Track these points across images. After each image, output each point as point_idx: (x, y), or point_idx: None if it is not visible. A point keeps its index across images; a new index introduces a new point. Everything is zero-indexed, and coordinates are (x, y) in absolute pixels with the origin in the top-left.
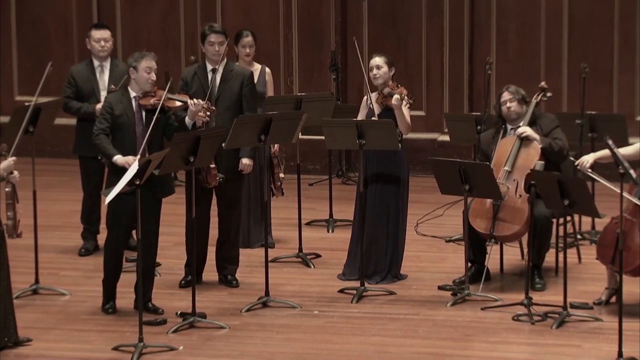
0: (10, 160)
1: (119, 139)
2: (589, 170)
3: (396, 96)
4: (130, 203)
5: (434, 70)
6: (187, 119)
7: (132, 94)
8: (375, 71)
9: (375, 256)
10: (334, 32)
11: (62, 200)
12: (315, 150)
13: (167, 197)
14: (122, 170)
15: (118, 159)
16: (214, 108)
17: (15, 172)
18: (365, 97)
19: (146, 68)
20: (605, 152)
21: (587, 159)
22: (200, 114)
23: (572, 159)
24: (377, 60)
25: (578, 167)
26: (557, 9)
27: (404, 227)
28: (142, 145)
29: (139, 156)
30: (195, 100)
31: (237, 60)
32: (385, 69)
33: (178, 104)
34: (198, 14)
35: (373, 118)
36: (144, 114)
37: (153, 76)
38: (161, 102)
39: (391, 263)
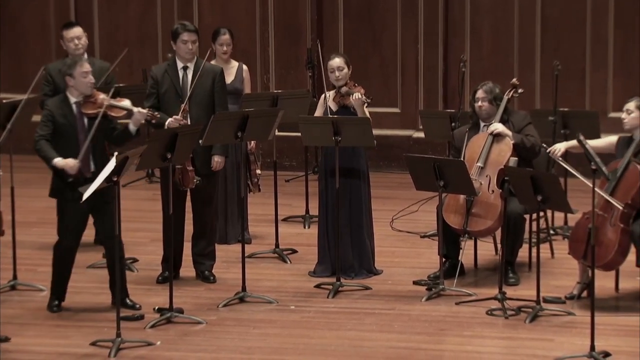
0: None
1: (61, 145)
2: (560, 158)
3: (356, 95)
4: (79, 212)
5: (408, 67)
6: (130, 126)
7: (72, 99)
8: (337, 73)
9: (342, 249)
10: (310, 30)
11: (40, 196)
12: (292, 146)
13: (145, 193)
14: (68, 173)
15: (58, 161)
16: (186, 107)
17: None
18: (322, 96)
19: (82, 73)
20: (574, 142)
21: (559, 147)
22: (176, 117)
23: (545, 145)
24: (338, 61)
25: (550, 154)
26: (530, 7)
27: (369, 220)
28: (82, 152)
29: (78, 161)
30: (140, 109)
31: (215, 57)
32: (346, 70)
33: (122, 112)
34: (175, 11)
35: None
36: (85, 120)
37: (91, 79)
38: (102, 111)
39: (360, 257)
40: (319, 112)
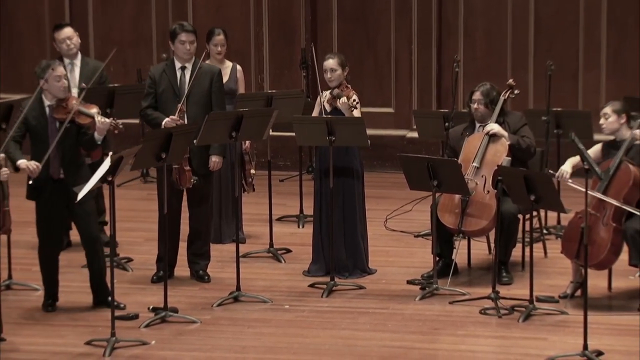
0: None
1: (35, 146)
2: (570, 181)
3: (343, 99)
4: (50, 214)
5: (402, 67)
6: (95, 134)
7: (46, 102)
8: (329, 74)
9: (336, 249)
10: (304, 30)
11: None
12: (286, 146)
13: (140, 193)
14: (39, 176)
15: (21, 163)
16: (183, 107)
17: (5, 169)
18: (319, 97)
19: (56, 77)
20: (577, 159)
21: (567, 171)
22: (173, 117)
23: (552, 172)
24: (331, 62)
25: (558, 179)
26: (523, 8)
27: (363, 220)
28: (47, 155)
29: (40, 165)
30: (102, 118)
31: (209, 58)
32: (339, 71)
33: (88, 120)
34: (169, 11)
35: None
36: (57, 124)
37: (64, 82)
38: (70, 116)
39: (354, 256)
40: (315, 112)
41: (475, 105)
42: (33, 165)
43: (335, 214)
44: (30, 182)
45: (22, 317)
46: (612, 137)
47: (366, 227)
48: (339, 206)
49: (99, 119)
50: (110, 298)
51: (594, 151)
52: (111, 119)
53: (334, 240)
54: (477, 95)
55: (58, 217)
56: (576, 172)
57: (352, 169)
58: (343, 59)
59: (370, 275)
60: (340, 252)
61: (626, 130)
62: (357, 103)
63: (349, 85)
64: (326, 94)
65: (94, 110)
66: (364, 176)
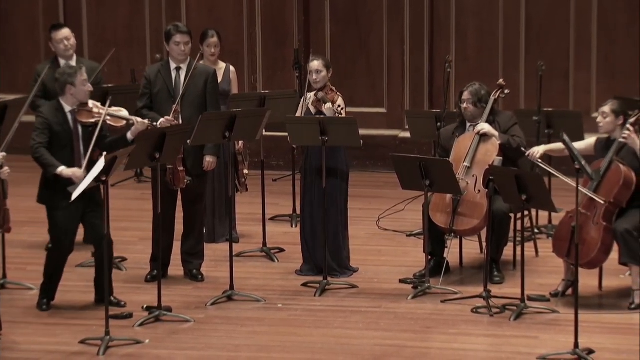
0: (0, 155)
1: (56, 153)
2: (539, 160)
3: (328, 105)
4: (70, 217)
5: (395, 68)
6: (129, 135)
7: (67, 108)
8: (315, 76)
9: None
10: (297, 31)
11: (29, 196)
12: (279, 146)
13: (134, 193)
14: (60, 181)
15: (63, 170)
16: (178, 108)
17: (6, 167)
18: (303, 97)
19: (83, 82)
20: (556, 146)
21: (538, 150)
22: (168, 117)
23: (524, 149)
24: (316, 64)
25: (528, 156)
26: (514, 9)
27: (344, 220)
28: (86, 161)
29: (83, 170)
30: (140, 119)
31: (203, 59)
32: (324, 72)
33: (122, 122)
34: (163, 12)
35: None
36: (80, 128)
37: (89, 86)
38: (102, 118)
39: (338, 257)
40: (298, 113)
41: (465, 105)
42: (78, 172)
43: (319, 213)
44: (72, 188)
45: (17, 316)
46: (606, 136)
47: (347, 227)
48: (327, 206)
49: (137, 120)
50: (112, 296)
51: (586, 143)
52: (148, 120)
53: (318, 240)
54: (465, 95)
55: (77, 221)
56: (567, 171)
57: (337, 170)
58: (328, 61)
59: (356, 273)
60: (323, 252)
61: (621, 131)
62: (342, 109)
63: (334, 88)
64: (311, 96)
65: (124, 112)
66: (349, 177)
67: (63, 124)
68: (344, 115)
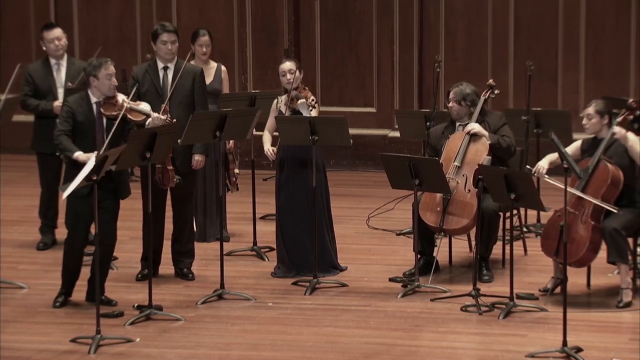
0: None
1: (78, 142)
2: (546, 176)
3: (302, 100)
4: (92, 204)
5: (384, 68)
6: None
7: (93, 99)
8: (289, 76)
9: (303, 248)
10: (287, 31)
11: (21, 195)
12: None
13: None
14: (81, 164)
15: (80, 155)
16: (167, 107)
17: None
18: (275, 100)
19: (107, 75)
20: (555, 156)
21: (543, 166)
22: (161, 116)
23: (529, 167)
24: (289, 64)
25: (535, 174)
26: (503, 9)
27: (329, 215)
28: (102, 151)
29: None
30: (157, 114)
31: (194, 58)
32: (297, 73)
33: (141, 117)
34: (154, 12)
35: None
36: (104, 120)
37: (114, 81)
38: (122, 113)
39: (324, 254)
40: (270, 119)
41: (450, 104)
42: (94, 158)
43: (297, 210)
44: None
45: (8, 315)
46: (592, 136)
47: (332, 221)
48: (303, 202)
49: (155, 115)
50: (103, 295)
51: (573, 148)
52: (166, 115)
53: (301, 239)
54: (451, 94)
55: (92, 214)
56: (555, 171)
57: (317, 163)
58: (298, 62)
59: (343, 272)
60: (307, 251)
61: (607, 130)
62: (316, 103)
63: (306, 87)
64: (282, 99)
65: (144, 106)
66: (325, 169)
67: (87, 114)
68: (317, 108)
